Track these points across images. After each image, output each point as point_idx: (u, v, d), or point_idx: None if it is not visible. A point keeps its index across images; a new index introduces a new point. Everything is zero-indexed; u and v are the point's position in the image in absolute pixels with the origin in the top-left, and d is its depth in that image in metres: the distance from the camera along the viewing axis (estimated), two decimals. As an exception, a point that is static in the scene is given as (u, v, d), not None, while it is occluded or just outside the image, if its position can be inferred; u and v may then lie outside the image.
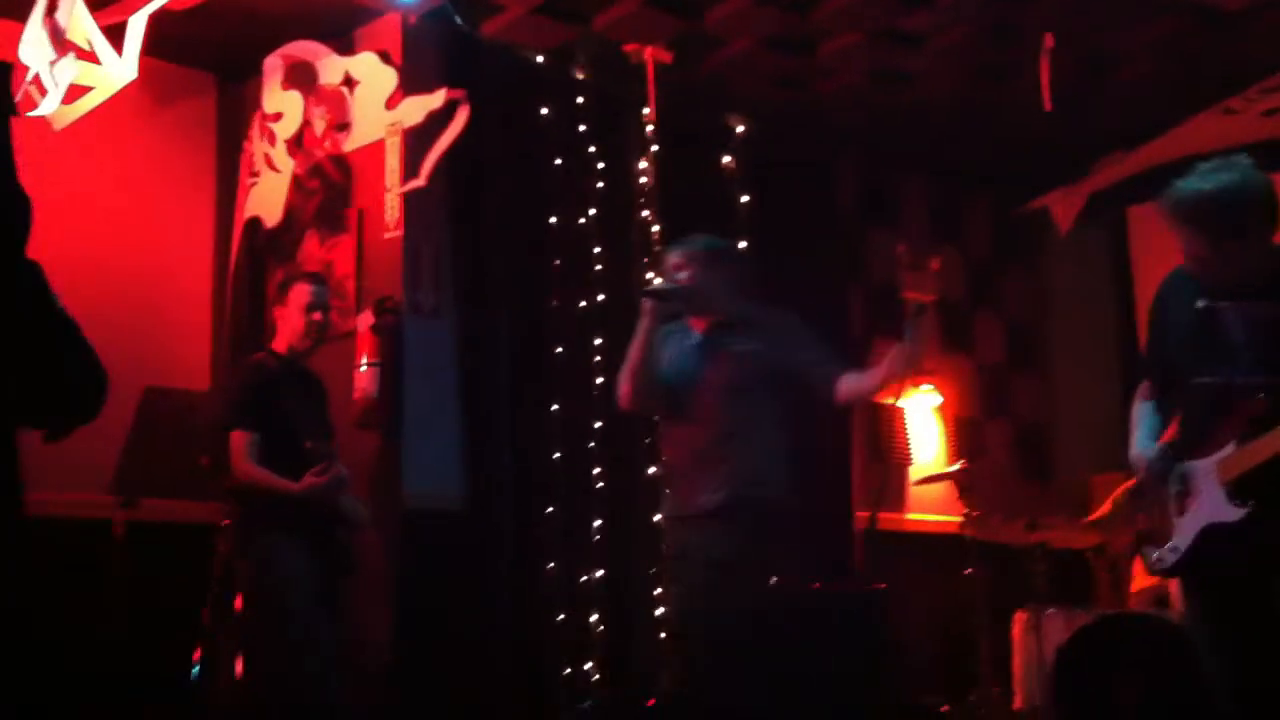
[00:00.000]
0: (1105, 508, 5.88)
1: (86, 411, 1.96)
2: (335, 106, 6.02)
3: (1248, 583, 3.32)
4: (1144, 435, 3.57)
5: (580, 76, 6.41)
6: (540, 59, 6.28)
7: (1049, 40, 6.06)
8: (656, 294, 4.20)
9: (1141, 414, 3.63)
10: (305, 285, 4.89)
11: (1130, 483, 5.92)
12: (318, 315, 4.86)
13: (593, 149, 6.38)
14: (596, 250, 6.31)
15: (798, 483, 4.27)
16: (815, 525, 6.75)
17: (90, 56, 5.30)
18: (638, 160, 6.50)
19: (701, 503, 4.11)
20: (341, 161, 6.01)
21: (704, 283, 4.22)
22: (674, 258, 4.30)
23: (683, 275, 4.23)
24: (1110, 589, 6.01)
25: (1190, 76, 6.74)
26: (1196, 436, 3.42)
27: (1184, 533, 3.39)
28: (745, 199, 6.88)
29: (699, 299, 4.24)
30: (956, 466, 6.17)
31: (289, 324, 4.88)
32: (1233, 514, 3.27)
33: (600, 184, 6.37)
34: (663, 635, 5.93)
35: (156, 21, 5.41)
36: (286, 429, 4.67)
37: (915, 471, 7.33)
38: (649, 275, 5.87)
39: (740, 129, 6.96)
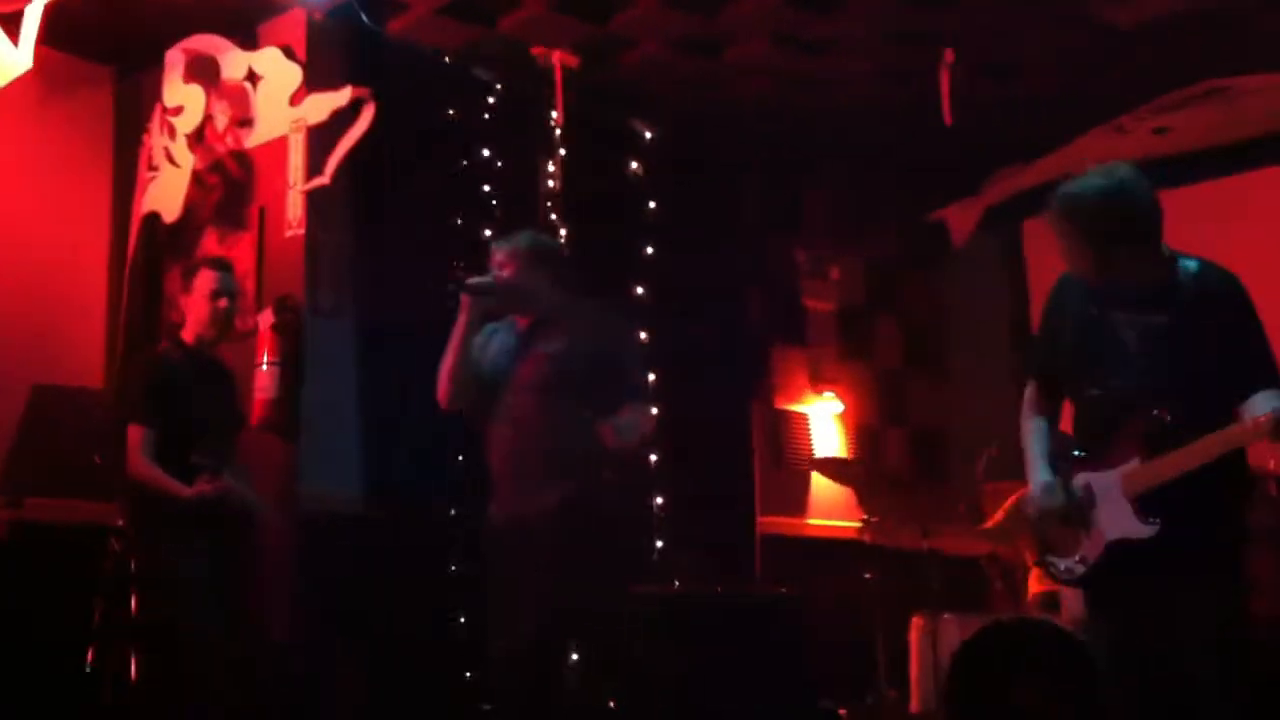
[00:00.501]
0: (998, 516, 5.99)
1: None
2: (238, 101, 5.93)
3: (1153, 598, 3.31)
4: (1040, 459, 3.54)
5: (486, 77, 6.39)
6: (446, 59, 6.25)
7: (948, 55, 6.18)
8: (472, 289, 4.13)
9: (1034, 434, 3.60)
10: (210, 272, 4.78)
11: (1021, 491, 6.07)
12: (223, 302, 4.74)
13: (498, 150, 6.37)
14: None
15: (618, 485, 4.17)
16: (717, 529, 6.81)
17: (-17, 45, 5.17)
18: (544, 162, 6.50)
19: (520, 507, 4.03)
20: (243, 158, 5.93)
21: (524, 279, 4.15)
22: (497, 254, 4.23)
23: (504, 272, 4.17)
24: (1004, 594, 6.11)
25: (1087, 92, 6.90)
26: (1093, 448, 3.43)
27: (1091, 545, 3.40)
28: (651, 203, 6.92)
29: (516, 295, 4.17)
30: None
31: (195, 313, 4.76)
32: (1142, 530, 3.29)
33: (505, 186, 6.36)
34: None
35: (53, 11, 5.31)
36: (185, 425, 4.57)
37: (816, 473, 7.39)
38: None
39: (648, 133, 7.00)
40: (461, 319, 4.13)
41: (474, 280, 4.18)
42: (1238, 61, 6.58)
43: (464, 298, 4.13)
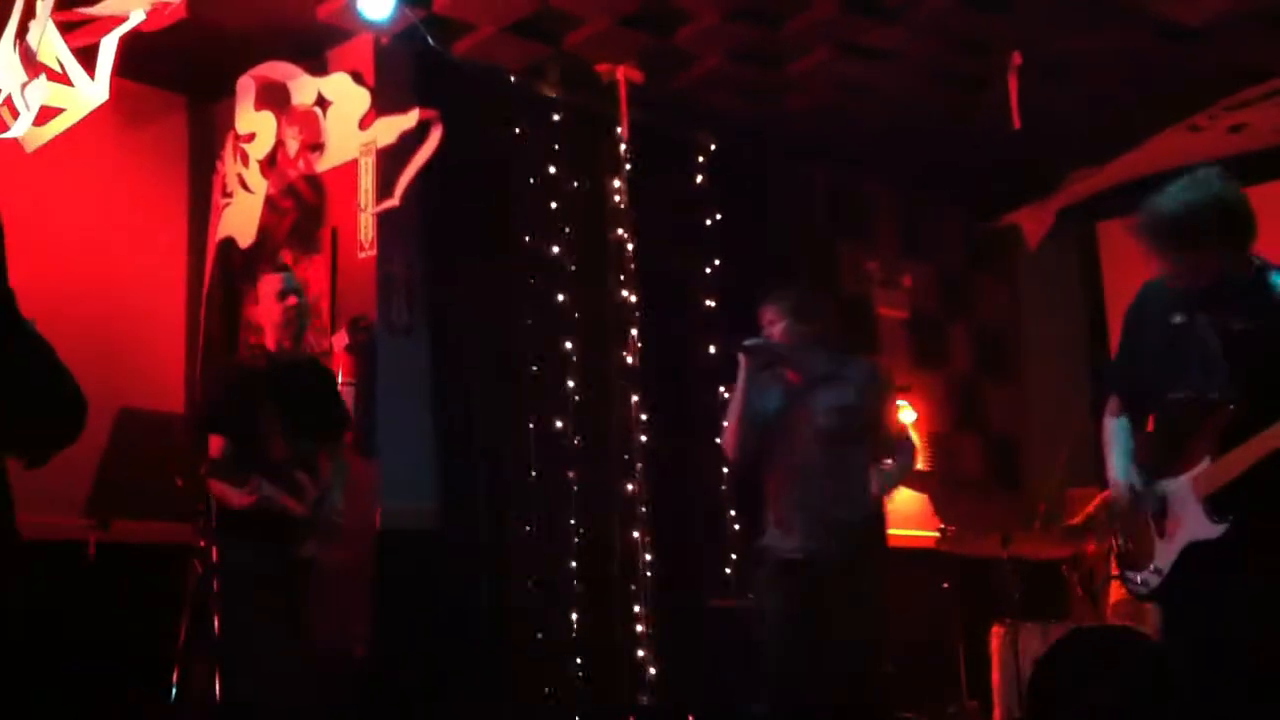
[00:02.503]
0: (1088, 510, 5.91)
1: (66, 437, 1.95)
2: (308, 127, 6.02)
3: (1229, 601, 3.25)
4: (1121, 458, 3.52)
5: (552, 95, 6.43)
6: (512, 78, 6.30)
7: (1016, 58, 6.12)
8: (748, 350, 4.52)
9: (1115, 434, 3.57)
10: (272, 275, 4.81)
11: (1106, 493, 5.99)
12: (292, 300, 4.72)
13: (566, 167, 6.41)
14: (571, 268, 6.33)
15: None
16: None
17: (62, 78, 5.28)
18: (611, 178, 6.53)
19: (812, 542, 4.43)
20: (315, 181, 6.01)
21: (794, 338, 4.54)
22: (767, 311, 4.60)
23: (774, 329, 4.54)
24: (1086, 601, 6.03)
25: (1156, 93, 6.81)
26: (1171, 453, 3.39)
27: (1165, 554, 3.35)
28: (718, 216, 6.92)
29: (788, 354, 4.55)
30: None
31: (268, 319, 4.76)
32: (1212, 531, 3.24)
33: (573, 201, 6.39)
34: (639, 652, 5.94)
35: (128, 43, 5.40)
36: (261, 432, 4.55)
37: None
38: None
39: (712, 145, 7.00)
40: (741, 376, 4.53)
41: (750, 342, 4.55)
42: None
43: (742, 357, 4.52)
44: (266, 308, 4.77)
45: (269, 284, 4.77)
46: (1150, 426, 3.56)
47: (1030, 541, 6.08)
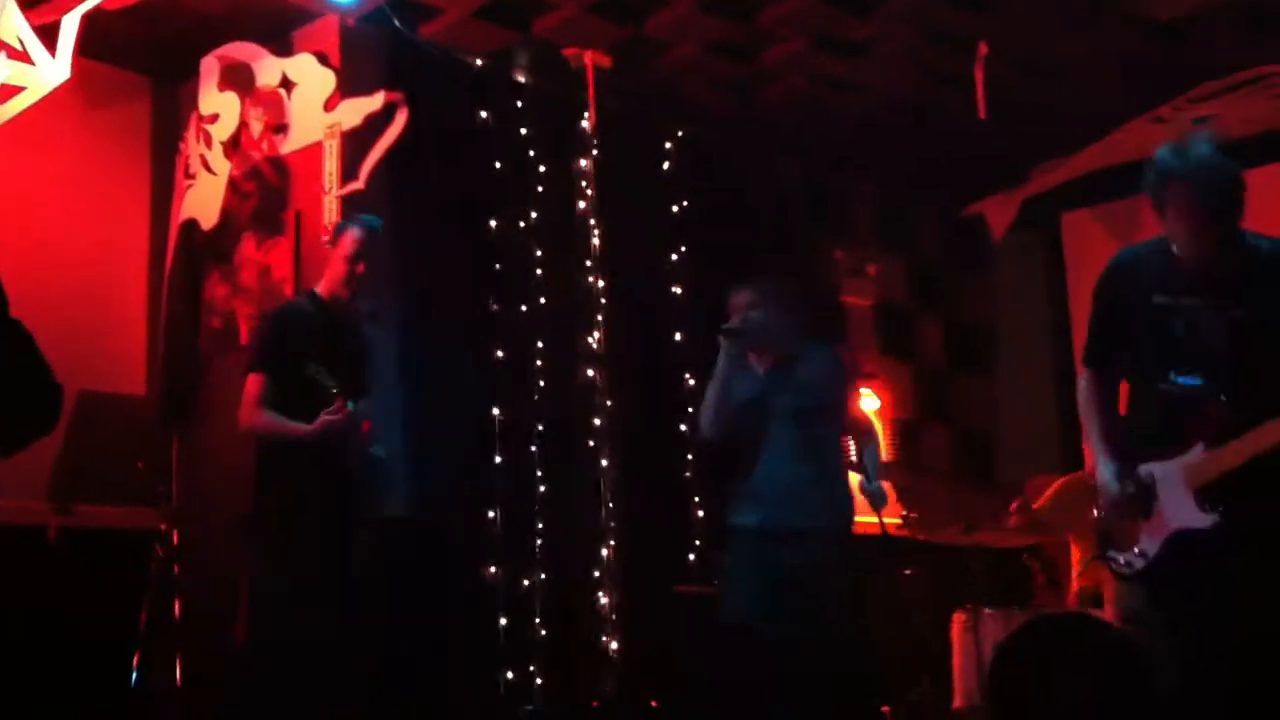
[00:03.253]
0: (1046, 496, 5.95)
1: (45, 426, 1.94)
2: (272, 108, 5.97)
3: (1216, 587, 3.22)
4: (1106, 450, 3.45)
5: (520, 80, 6.41)
6: (480, 62, 6.27)
7: (982, 48, 6.14)
8: (727, 332, 4.61)
9: (1099, 425, 3.50)
10: (355, 232, 4.57)
11: (1069, 477, 6.03)
12: (360, 267, 4.52)
13: (533, 152, 6.38)
14: (538, 253, 6.31)
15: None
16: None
17: (22, 56, 5.24)
18: (578, 163, 6.51)
19: (792, 521, 4.51)
20: (279, 164, 5.97)
21: (772, 321, 4.63)
22: (741, 295, 4.68)
23: (754, 313, 4.61)
24: (1047, 589, 6.07)
25: (1124, 85, 6.84)
26: (1158, 435, 3.34)
27: (1151, 538, 3.32)
28: (685, 204, 6.92)
29: (766, 336, 4.64)
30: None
31: (333, 269, 4.58)
32: (1202, 521, 3.22)
33: (541, 187, 6.37)
34: (604, 639, 5.94)
35: (90, 22, 5.35)
36: (307, 378, 4.31)
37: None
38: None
39: (680, 133, 6.99)
40: (721, 359, 4.64)
41: (728, 325, 4.63)
42: (1276, 52, 6.51)
43: (722, 340, 4.62)
44: (336, 259, 4.56)
45: (347, 240, 4.55)
46: (1126, 400, 3.51)
47: (993, 530, 6.11)
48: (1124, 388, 3.54)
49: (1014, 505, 6.05)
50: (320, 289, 4.62)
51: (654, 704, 5.54)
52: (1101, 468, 3.44)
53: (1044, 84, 6.79)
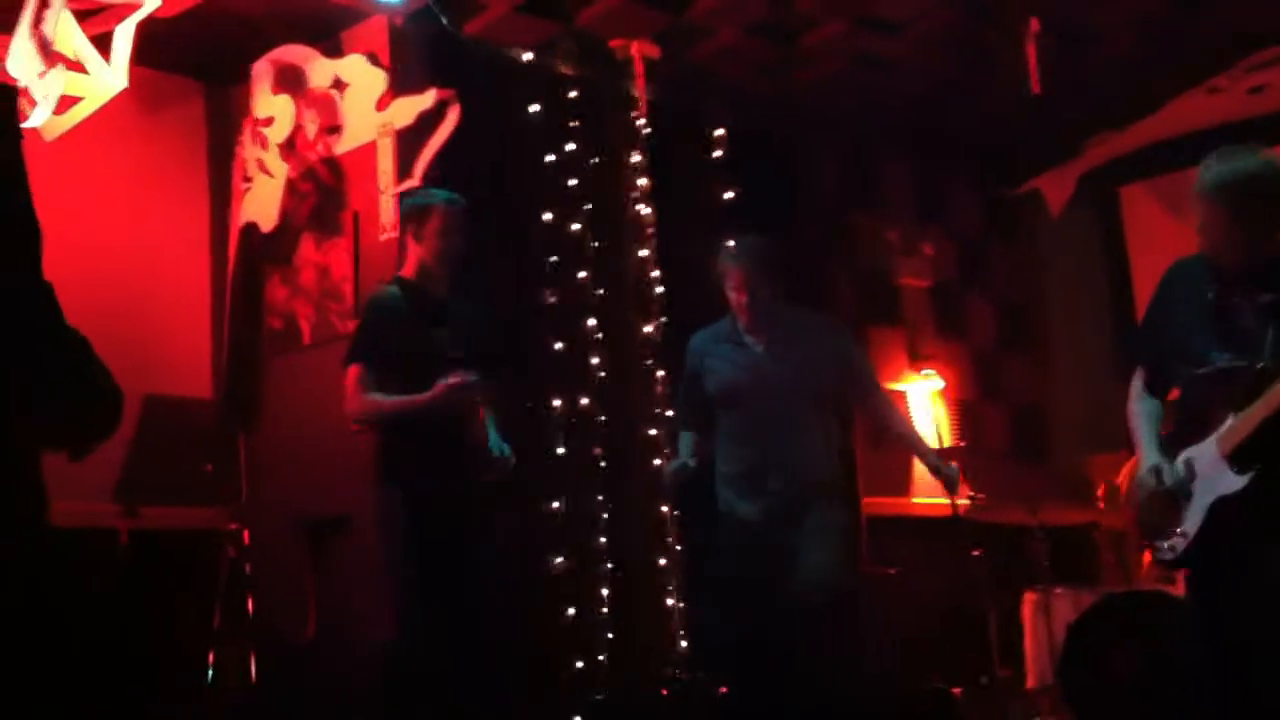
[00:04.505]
0: (1123, 483, 5.89)
1: (107, 429, 1.97)
2: (325, 109, 6.01)
3: (1255, 566, 3.27)
4: (1149, 437, 3.55)
5: (568, 73, 6.41)
6: (527, 56, 6.29)
7: (1035, 24, 6.08)
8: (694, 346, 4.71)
9: (1142, 414, 3.59)
10: (442, 208, 4.48)
11: (1132, 461, 5.97)
12: (455, 240, 4.44)
13: (583, 144, 6.39)
14: (593, 245, 6.32)
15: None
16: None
17: (78, 67, 5.29)
18: (628, 154, 6.51)
19: (751, 509, 4.42)
20: (334, 164, 6.01)
21: (757, 293, 4.48)
22: (726, 270, 4.56)
23: (736, 286, 4.51)
24: (1116, 566, 6.02)
25: (1175, 55, 6.76)
26: (1196, 424, 3.41)
27: (1193, 516, 3.37)
28: (733, 189, 6.90)
29: (740, 330, 4.56)
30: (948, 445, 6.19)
31: (426, 246, 4.46)
32: (1238, 483, 3.27)
33: (592, 179, 6.38)
34: (671, 626, 5.95)
35: (143, 30, 5.40)
36: (406, 361, 4.26)
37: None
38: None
39: (729, 120, 6.97)
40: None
41: (696, 339, 4.75)
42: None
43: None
44: (427, 238, 4.46)
45: (436, 218, 4.46)
46: (1174, 398, 3.57)
47: (1057, 509, 6.07)
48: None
49: (1101, 490, 5.97)
50: (405, 272, 4.52)
51: (723, 690, 5.53)
52: (1142, 460, 3.53)
53: (1085, 56, 6.71)
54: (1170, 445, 3.48)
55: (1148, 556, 5.73)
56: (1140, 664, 5.01)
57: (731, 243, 4.75)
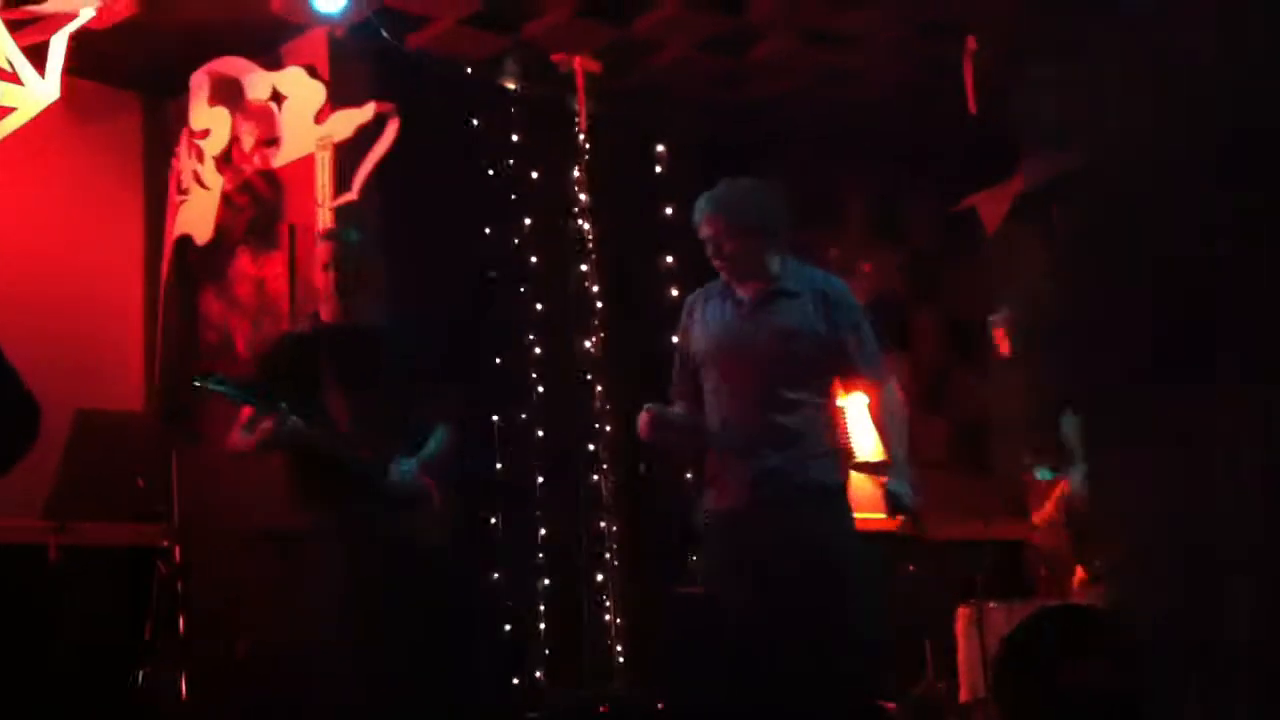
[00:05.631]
0: (1048, 508, 5.93)
1: (24, 440, 1.94)
2: (263, 122, 5.98)
3: None
4: (1081, 454, 3.56)
5: (510, 87, 6.41)
6: (470, 70, 6.28)
7: (971, 43, 6.15)
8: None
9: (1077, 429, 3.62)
10: (322, 244, 4.52)
11: (1065, 483, 6.02)
12: (332, 274, 4.39)
13: (525, 159, 6.39)
14: (533, 260, 6.31)
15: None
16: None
17: (11, 77, 5.25)
18: (570, 169, 6.51)
19: (729, 504, 3.87)
20: (271, 177, 5.98)
21: (743, 247, 3.87)
22: (710, 221, 3.90)
23: (717, 237, 3.89)
24: (1050, 581, 6.06)
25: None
26: None
27: None
28: (679, 205, 6.91)
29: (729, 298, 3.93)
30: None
31: (324, 284, 4.45)
32: None
33: (533, 193, 6.38)
34: (609, 642, 5.94)
35: (78, 41, 5.36)
36: (311, 398, 4.19)
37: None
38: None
39: (672, 136, 6.99)
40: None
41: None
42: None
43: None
44: (315, 275, 4.49)
45: (318, 253, 4.48)
46: None
47: (995, 524, 6.10)
48: None
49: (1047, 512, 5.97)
50: (322, 311, 4.50)
51: (660, 706, 5.53)
52: (1074, 473, 3.50)
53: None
54: None
55: (1080, 572, 5.80)
56: (1074, 676, 5.05)
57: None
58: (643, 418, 3.87)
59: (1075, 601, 5.65)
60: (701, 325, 3.98)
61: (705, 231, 3.93)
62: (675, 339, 4.17)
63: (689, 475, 4.38)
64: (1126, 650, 4.69)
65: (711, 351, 3.92)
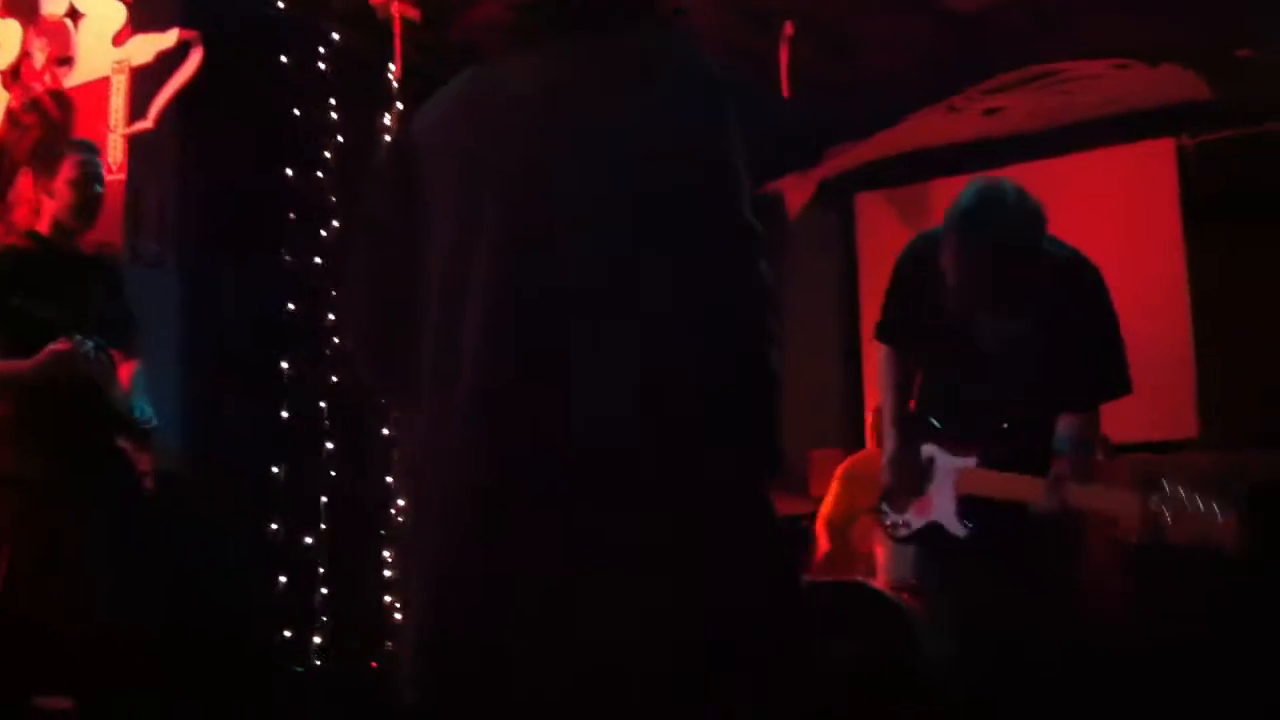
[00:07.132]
0: (833, 489, 6.06)
1: None
2: (57, 39, 5.71)
3: (957, 594, 3.44)
4: (896, 428, 3.57)
5: (325, 28, 6.25)
6: (282, 5, 6.09)
7: (788, 28, 6.24)
8: None
9: (893, 401, 3.60)
10: (75, 156, 4.33)
11: (847, 462, 6.18)
12: (93, 188, 4.27)
13: (334, 103, 6.24)
14: (334, 205, 6.18)
15: None
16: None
17: None
18: (380, 117, 6.39)
19: None
20: (62, 98, 5.71)
21: None
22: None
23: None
24: (825, 559, 6.21)
25: (924, 72, 7.04)
26: (945, 423, 3.47)
27: (917, 514, 3.48)
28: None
29: None
30: None
31: (58, 200, 4.27)
32: (955, 527, 3.37)
33: (341, 139, 6.24)
34: (386, 599, 5.88)
35: None
36: (40, 324, 4.00)
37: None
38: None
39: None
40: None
41: None
42: (1069, 48, 6.79)
43: None
44: (59, 189, 4.26)
45: (69, 165, 4.28)
46: (919, 383, 3.63)
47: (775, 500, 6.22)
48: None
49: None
50: (40, 227, 4.31)
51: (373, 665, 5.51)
52: (886, 446, 3.59)
53: (845, 65, 6.93)
54: (914, 425, 3.53)
55: (823, 546, 5.94)
56: (850, 654, 5.16)
57: None
58: None
59: (845, 578, 5.81)
60: None
61: None
62: None
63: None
64: (892, 632, 4.83)
65: None
